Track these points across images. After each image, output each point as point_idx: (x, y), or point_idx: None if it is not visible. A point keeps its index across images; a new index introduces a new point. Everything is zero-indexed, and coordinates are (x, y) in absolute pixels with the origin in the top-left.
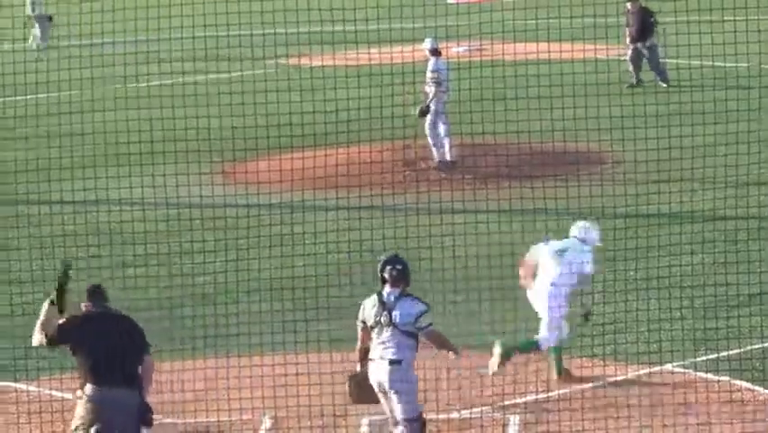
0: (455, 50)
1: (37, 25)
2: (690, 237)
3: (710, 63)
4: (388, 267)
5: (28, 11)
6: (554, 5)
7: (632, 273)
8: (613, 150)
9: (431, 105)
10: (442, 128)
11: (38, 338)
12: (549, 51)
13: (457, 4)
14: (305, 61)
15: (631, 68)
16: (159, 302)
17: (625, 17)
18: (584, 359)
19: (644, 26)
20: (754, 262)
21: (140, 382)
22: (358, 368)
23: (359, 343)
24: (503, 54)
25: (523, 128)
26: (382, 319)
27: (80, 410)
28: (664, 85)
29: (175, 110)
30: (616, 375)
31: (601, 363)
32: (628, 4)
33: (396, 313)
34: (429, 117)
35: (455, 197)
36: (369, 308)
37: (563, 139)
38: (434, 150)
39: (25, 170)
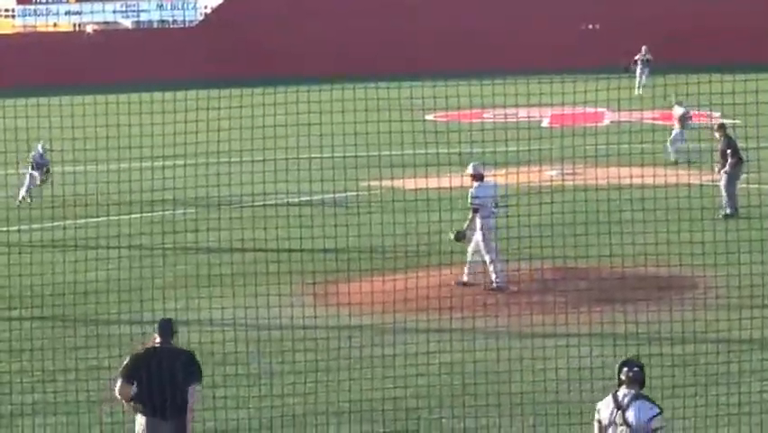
0: (548, 173)
1: (32, 173)
2: None
3: None
4: (626, 368)
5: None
6: (648, 130)
7: (723, 399)
8: (705, 275)
9: (468, 230)
10: (484, 253)
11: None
12: (642, 176)
13: (551, 127)
14: (398, 184)
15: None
16: (248, 423)
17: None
18: None
19: (724, 154)
20: None
21: (185, 413)
22: None
23: None
24: (596, 178)
25: (615, 252)
26: (617, 419)
27: None
28: (724, 212)
29: (267, 231)
30: None
31: None
32: (716, 133)
33: (630, 414)
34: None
35: (546, 320)
36: (604, 408)
37: (655, 264)
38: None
39: (118, 289)
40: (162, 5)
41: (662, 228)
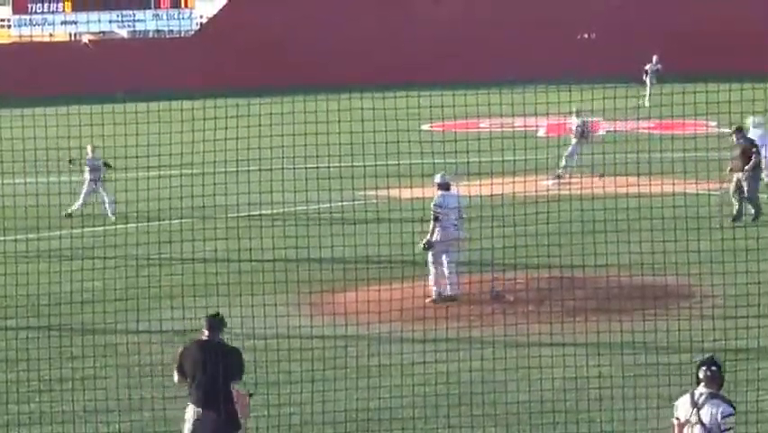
0: (545, 182)
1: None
2: None
3: None
4: (703, 367)
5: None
6: (644, 139)
7: None
8: (701, 284)
9: (433, 238)
10: (445, 262)
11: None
12: (638, 185)
13: (547, 137)
14: (394, 193)
15: (734, 199)
16: None
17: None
18: None
19: (745, 154)
20: None
21: (231, 406)
22: None
23: None
24: (592, 187)
25: (611, 261)
26: (691, 418)
27: (185, 426)
28: (752, 219)
29: (263, 241)
30: None
31: None
32: (733, 136)
33: (703, 412)
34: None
35: (542, 330)
36: (681, 406)
37: (652, 273)
38: (432, 282)
39: (114, 299)
40: (158, 15)
41: (658, 237)
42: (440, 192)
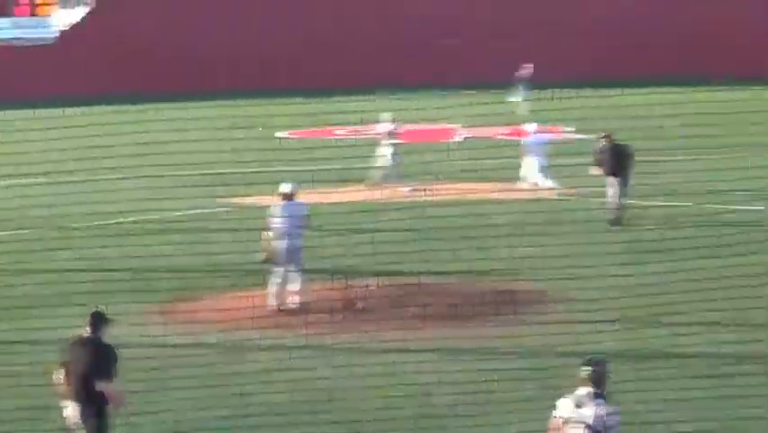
0: (401, 189)
1: None
2: (636, 374)
3: (660, 203)
4: (585, 367)
5: None
6: (501, 146)
7: None
8: (554, 288)
9: (276, 249)
10: (293, 272)
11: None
12: (492, 191)
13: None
14: (249, 201)
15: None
16: None
17: (595, 154)
18: None
19: (620, 162)
20: (708, 399)
21: (104, 402)
22: None
23: None
24: (433, 192)
25: (465, 267)
26: (574, 417)
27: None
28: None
29: (117, 249)
30: None
31: None
32: (602, 141)
33: (587, 412)
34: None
35: (394, 336)
36: (563, 405)
37: (505, 278)
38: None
39: None
40: (17, 23)
41: (510, 242)
42: (282, 202)
